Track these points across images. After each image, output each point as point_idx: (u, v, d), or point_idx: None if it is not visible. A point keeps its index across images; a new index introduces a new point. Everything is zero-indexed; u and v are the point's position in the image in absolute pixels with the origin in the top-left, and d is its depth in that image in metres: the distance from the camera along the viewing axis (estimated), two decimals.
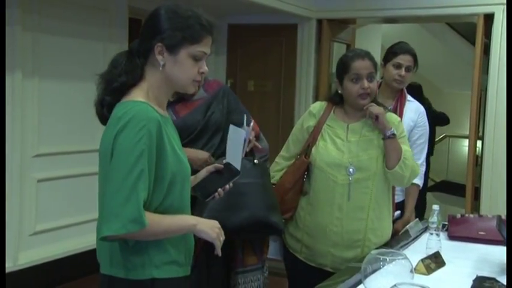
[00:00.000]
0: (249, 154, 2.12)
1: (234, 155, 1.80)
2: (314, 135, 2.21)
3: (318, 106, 2.29)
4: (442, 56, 7.52)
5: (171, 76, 1.50)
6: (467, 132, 4.58)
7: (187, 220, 1.51)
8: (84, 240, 3.71)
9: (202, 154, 2.11)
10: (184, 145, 1.71)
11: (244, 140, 1.93)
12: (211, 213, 1.91)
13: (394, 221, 2.70)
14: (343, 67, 2.16)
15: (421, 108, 2.80)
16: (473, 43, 5.15)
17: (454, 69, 7.57)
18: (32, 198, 3.42)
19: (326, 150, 2.15)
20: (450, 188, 6.65)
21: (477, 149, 4.60)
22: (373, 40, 6.35)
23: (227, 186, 1.74)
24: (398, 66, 2.70)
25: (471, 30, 5.26)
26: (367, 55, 2.17)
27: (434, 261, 1.96)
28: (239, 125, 1.99)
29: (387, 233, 2.24)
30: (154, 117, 1.41)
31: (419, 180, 2.74)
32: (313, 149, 2.18)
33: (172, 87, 1.55)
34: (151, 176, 1.40)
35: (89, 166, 3.79)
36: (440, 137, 7.14)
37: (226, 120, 2.17)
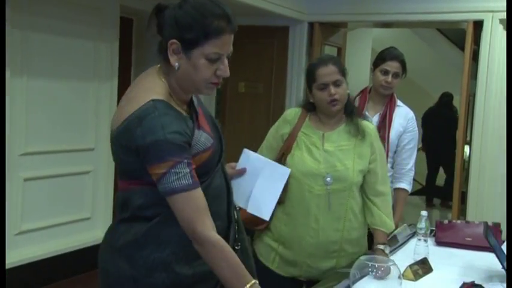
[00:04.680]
0: None
1: (264, 201, 1.62)
2: (289, 143, 2.13)
3: (293, 113, 2.22)
4: (431, 60, 7.59)
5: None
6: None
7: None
8: (70, 240, 3.69)
9: None
10: (214, 176, 1.55)
11: None
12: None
13: None
14: (310, 76, 2.11)
15: (411, 114, 2.81)
16: (462, 49, 5.21)
17: (443, 74, 7.64)
18: (18, 197, 3.39)
19: (302, 160, 2.08)
20: (437, 192, 6.71)
21: (464, 153, 4.64)
22: (364, 44, 6.38)
23: None
24: (385, 72, 2.70)
25: (460, 36, 5.31)
26: (331, 60, 2.11)
27: (422, 267, 1.97)
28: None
29: (363, 242, 2.21)
30: None
31: (408, 185, 2.75)
32: (288, 158, 2.10)
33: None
34: None
35: (76, 165, 3.77)
36: None
37: None
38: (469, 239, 2.31)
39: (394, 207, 2.74)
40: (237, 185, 1.54)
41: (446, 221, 2.43)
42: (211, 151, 1.48)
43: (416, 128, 2.81)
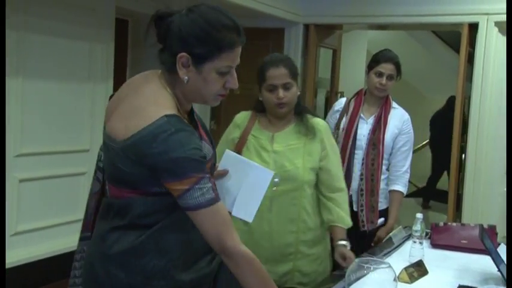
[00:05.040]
0: None
1: (247, 204, 1.59)
2: (239, 147, 2.11)
3: (242, 116, 2.21)
4: (426, 62, 7.62)
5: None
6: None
7: None
8: (66, 241, 3.67)
9: None
10: None
11: None
12: None
13: (377, 228, 2.73)
14: (260, 75, 2.06)
15: (406, 116, 2.82)
16: (456, 51, 5.23)
17: (437, 76, 7.67)
18: (14, 198, 3.37)
19: None
20: (432, 194, 6.72)
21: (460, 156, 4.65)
22: (359, 45, 6.40)
23: None
24: (379, 74, 2.71)
25: (455, 38, 5.33)
26: (282, 62, 2.04)
27: (417, 270, 1.97)
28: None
29: (324, 243, 2.18)
30: None
31: (403, 188, 2.76)
32: None
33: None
34: None
35: (72, 167, 3.76)
36: (424, 143, 7.21)
37: None
38: (464, 241, 2.32)
39: (389, 210, 2.76)
40: (219, 187, 1.52)
41: (441, 224, 2.44)
42: (212, 161, 1.47)
43: (412, 130, 2.82)
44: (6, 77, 3.22)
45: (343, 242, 2.08)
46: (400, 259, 2.11)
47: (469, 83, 4.44)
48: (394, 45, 7.18)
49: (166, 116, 1.30)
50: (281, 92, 2.03)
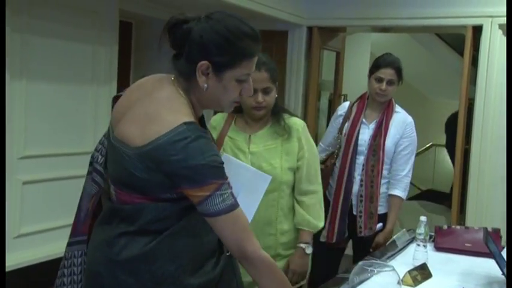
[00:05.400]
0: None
1: (245, 208, 1.53)
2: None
3: (218, 118, 2.19)
4: (429, 65, 7.60)
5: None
6: None
7: None
8: None
9: None
10: None
11: None
12: None
13: (376, 233, 2.70)
14: None
15: (409, 119, 2.80)
16: (460, 53, 5.21)
17: (441, 79, 7.65)
18: (17, 200, 3.37)
19: None
20: (436, 197, 6.70)
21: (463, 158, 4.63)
22: (363, 48, 6.39)
23: None
24: (379, 80, 2.70)
25: (459, 41, 5.32)
26: (264, 65, 2.00)
27: (421, 273, 1.97)
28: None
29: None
30: None
31: (402, 192, 2.72)
32: None
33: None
34: None
35: (75, 169, 3.75)
36: (427, 145, 7.20)
37: None
38: (468, 244, 2.32)
39: (387, 215, 2.73)
40: None
41: (445, 227, 2.44)
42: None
43: (415, 134, 2.80)
44: (10, 80, 3.22)
45: (303, 245, 2.08)
46: (403, 262, 2.11)
47: (473, 86, 4.43)
48: (398, 47, 7.19)
49: (185, 123, 1.31)
50: (260, 96, 2.00)
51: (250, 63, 1.38)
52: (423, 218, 2.18)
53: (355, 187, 2.73)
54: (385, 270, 1.63)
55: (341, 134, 2.82)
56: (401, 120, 2.77)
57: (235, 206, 1.33)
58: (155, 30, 3.88)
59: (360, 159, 2.73)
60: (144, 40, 4.92)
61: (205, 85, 1.36)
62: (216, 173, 1.31)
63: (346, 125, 2.81)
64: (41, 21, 3.41)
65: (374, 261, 1.83)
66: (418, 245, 2.15)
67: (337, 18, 4.81)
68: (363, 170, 2.71)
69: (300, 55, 4.89)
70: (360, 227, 2.71)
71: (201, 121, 1.49)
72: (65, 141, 3.66)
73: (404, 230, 2.50)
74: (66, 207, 3.72)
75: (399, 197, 2.72)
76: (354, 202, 2.73)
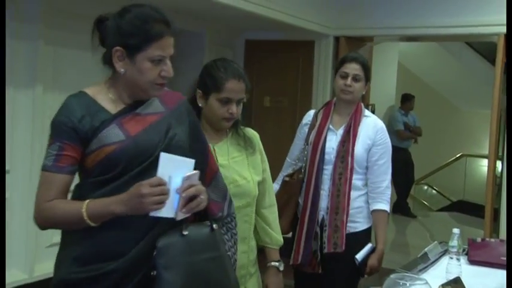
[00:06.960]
0: (201, 214, 1.58)
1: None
2: None
3: None
4: (459, 74, 7.49)
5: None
6: (485, 152, 4.54)
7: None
8: None
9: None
10: (134, 176, 1.45)
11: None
12: None
13: (368, 256, 2.44)
14: (214, 84, 1.87)
15: (380, 124, 2.55)
16: (491, 61, 5.12)
17: (471, 88, 7.53)
18: None
19: None
20: (467, 208, 6.57)
21: (496, 169, 4.55)
22: (390, 57, 6.35)
23: None
24: (344, 75, 2.49)
25: (489, 49, 5.23)
26: (242, 77, 1.89)
27: (455, 287, 1.92)
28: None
29: (256, 261, 2.06)
30: None
31: (386, 206, 2.49)
32: None
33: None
34: None
35: None
36: (457, 156, 7.08)
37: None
38: (503, 258, 2.25)
39: (375, 233, 2.49)
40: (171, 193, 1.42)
41: (479, 239, 2.38)
42: (115, 147, 1.47)
43: (388, 140, 2.54)
44: (43, 91, 3.29)
45: (275, 264, 2.02)
46: (436, 275, 2.07)
47: (505, 96, 4.34)
48: (426, 56, 7.13)
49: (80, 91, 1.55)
50: (234, 108, 1.90)
51: (161, 45, 1.47)
52: (456, 231, 2.12)
53: (323, 202, 2.49)
54: (418, 284, 1.60)
55: (307, 144, 2.58)
56: (371, 124, 2.52)
57: (45, 166, 1.47)
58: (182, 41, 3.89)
59: (329, 169, 2.49)
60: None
61: (122, 70, 1.49)
62: (52, 131, 1.50)
63: (312, 133, 2.58)
64: (72, 33, 3.48)
65: (406, 274, 1.80)
66: (451, 258, 2.10)
67: (364, 27, 4.79)
68: (330, 180, 2.48)
69: (326, 65, 4.88)
70: (324, 243, 2.45)
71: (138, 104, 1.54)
72: None
73: (436, 242, 2.44)
74: None
75: (384, 210, 2.48)
76: (321, 217, 2.48)
